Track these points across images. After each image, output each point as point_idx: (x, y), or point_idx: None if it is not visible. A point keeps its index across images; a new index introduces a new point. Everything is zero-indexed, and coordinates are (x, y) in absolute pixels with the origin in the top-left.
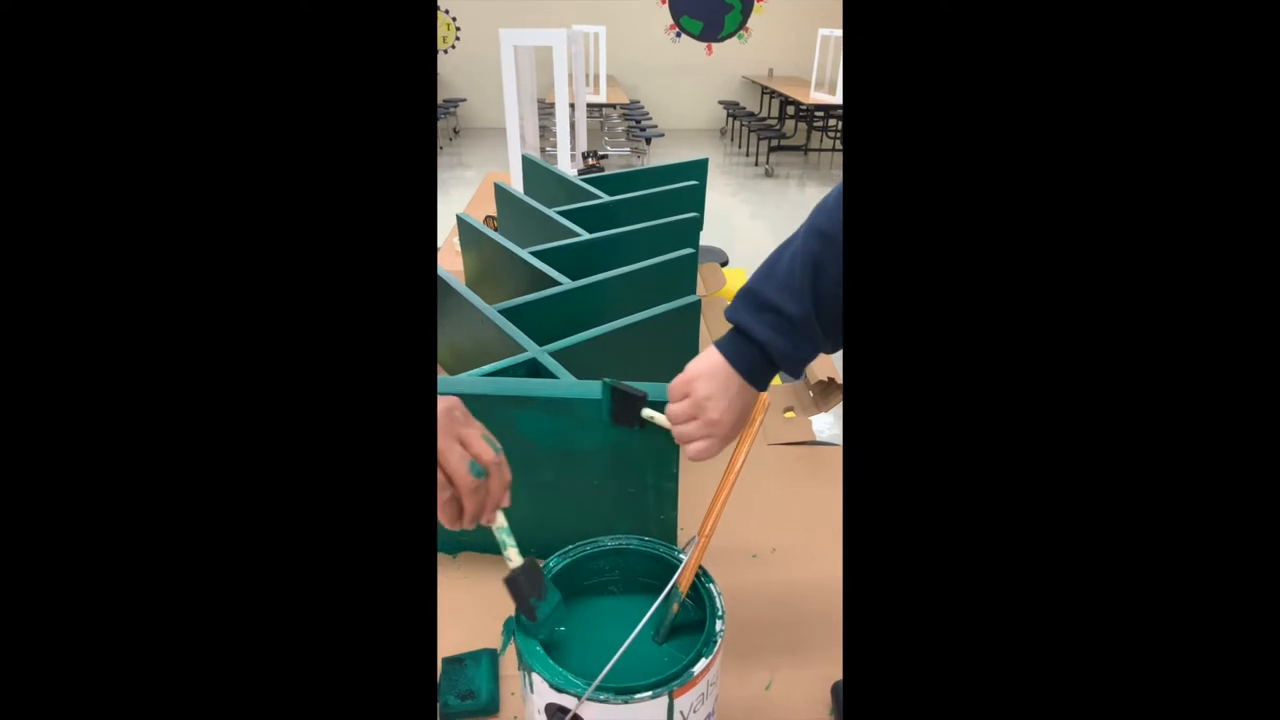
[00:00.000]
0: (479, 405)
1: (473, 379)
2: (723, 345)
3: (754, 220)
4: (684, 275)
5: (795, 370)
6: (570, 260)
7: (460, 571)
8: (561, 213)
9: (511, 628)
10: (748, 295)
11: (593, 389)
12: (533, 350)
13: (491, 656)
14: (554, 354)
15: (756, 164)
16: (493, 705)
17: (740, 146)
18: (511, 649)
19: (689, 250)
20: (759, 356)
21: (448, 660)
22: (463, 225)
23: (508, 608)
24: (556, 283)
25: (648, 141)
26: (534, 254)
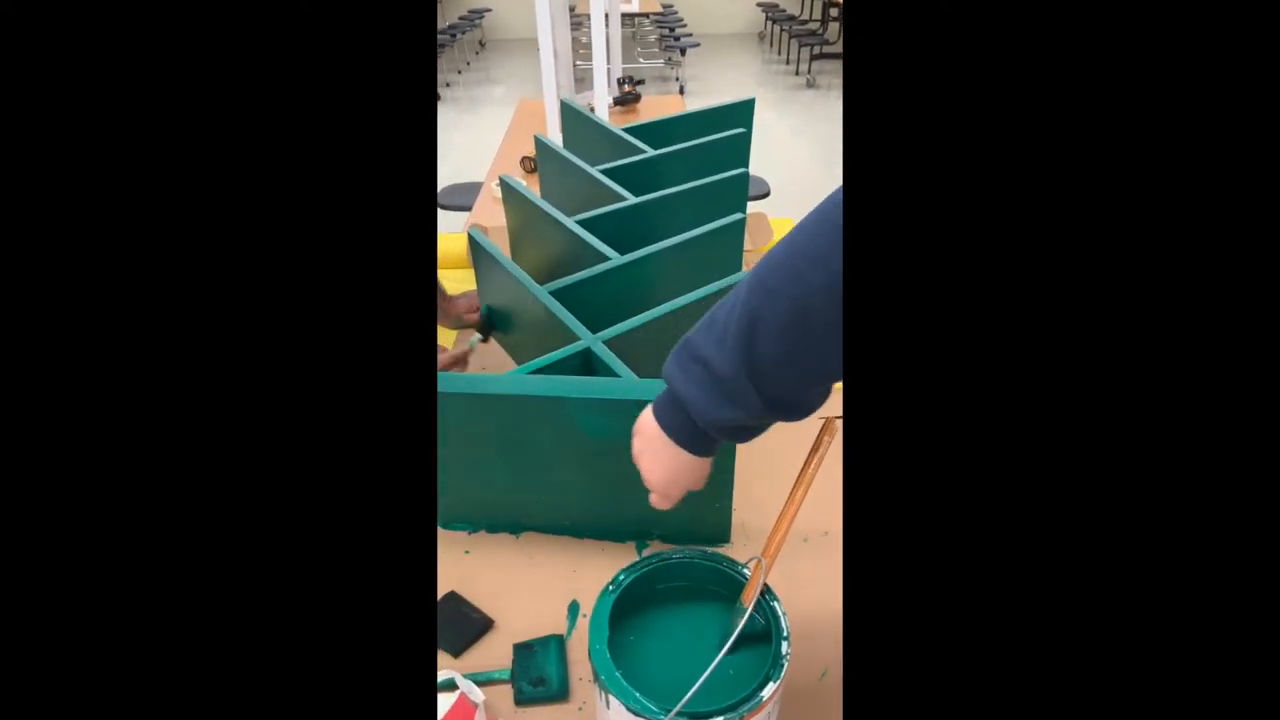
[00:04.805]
0: (537, 403)
1: (529, 378)
2: (656, 400)
3: (795, 138)
4: (732, 240)
5: (731, 435)
6: (616, 228)
7: (524, 553)
8: (604, 171)
9: (576, 611)
10: (684, 345)
11: (650, 388)
12: (586, 339)
13: (559, 642)
14: (607, 342)
15: (797, 73)
16: (563, 692)
17: (780, 53)
18: (577, 633)
19: (738, 215)
20: (683, 415)
21: (518, 646)
22: (505, 188)
23: (572, 590)
24: (603, 255)
25: (682, 52)
26: (580, 223)
